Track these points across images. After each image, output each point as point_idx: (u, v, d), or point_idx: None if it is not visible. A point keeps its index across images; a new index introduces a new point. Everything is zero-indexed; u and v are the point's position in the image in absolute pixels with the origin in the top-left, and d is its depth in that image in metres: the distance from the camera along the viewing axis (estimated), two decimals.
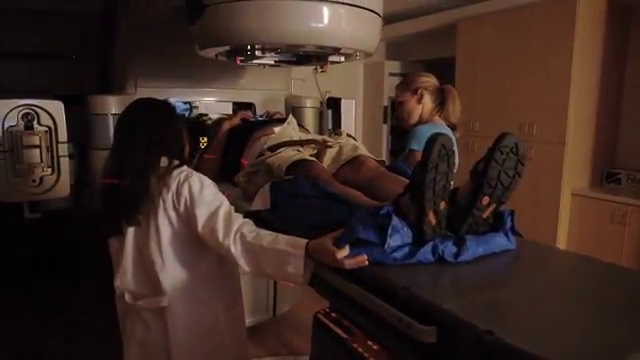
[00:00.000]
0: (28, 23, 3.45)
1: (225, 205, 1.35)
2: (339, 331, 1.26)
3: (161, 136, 1.40)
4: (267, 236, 1.26)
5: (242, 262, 1.27)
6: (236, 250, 1.27)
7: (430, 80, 2.00)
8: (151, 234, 1.37)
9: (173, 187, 1.34)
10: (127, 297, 1.43)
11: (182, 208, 1.34)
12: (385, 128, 4.87)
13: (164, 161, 1.39)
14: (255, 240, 1.25)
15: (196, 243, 1.38)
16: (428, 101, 1.97)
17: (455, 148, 1.20)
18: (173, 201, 1.34)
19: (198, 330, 1.44)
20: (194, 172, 1.40)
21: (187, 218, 1.35)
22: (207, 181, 1.39)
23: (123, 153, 1.38)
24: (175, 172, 1.37)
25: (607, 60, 3.27)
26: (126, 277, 1.43)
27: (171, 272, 1.38)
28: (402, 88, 2.02)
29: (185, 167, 1.42)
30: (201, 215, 1.32)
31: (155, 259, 1.37)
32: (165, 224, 1.36)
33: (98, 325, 2.72)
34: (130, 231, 1.40)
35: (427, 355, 0.94)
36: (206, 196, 1.34)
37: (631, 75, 3.39)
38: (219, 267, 1.45)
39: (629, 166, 3.38)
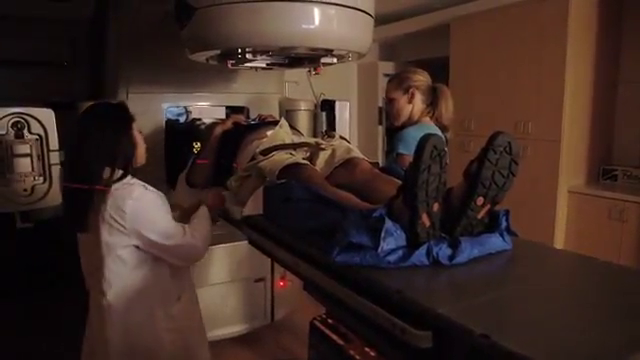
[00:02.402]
0: (19, 30, 3.43)
1: (163, 222, 1.48)
2: (335, 337, 1.24)
3: (105, 147, 1.44)
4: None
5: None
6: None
7: (423, 79, 1.97)
8: (98, 237, 1.43)
9: (112, 200, 1.40)
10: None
11: (121, 221, 1.41)
12: (380, 129, 4.85)
13: (107, 172, 1.43)
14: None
15: (136, 250, 1.46)
16: (419, 101, 1.95)
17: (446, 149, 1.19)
18: (112, 214, 1.40)
19: (134, 328, 1.50)
20: (136, 185, 1.46)
21: (127, 231, 1.42)
22: (147, 196, 1.46)
23: (72, 161, 1.49)
24: (118, 184, 1.43)
25: (601, 56, 3.27)
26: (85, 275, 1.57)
27: (112, 272, 1.45)
28: (394, 85, 1.99)
29: (128, 179, 1.47)
30: (144, 232, 1.43)
31: (99, 260, 1.45)
32: (105, 231, 1.42)
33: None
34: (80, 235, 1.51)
35: None
36: (146, 213, 1.44)
37: (625, 71, 3.38)
38: (159, 268, 1.53)
39: (625, 162, 3.37)
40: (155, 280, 1.52)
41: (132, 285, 1.48)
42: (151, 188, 1.50)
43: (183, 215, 1.70)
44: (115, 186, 1.42)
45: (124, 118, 1.52)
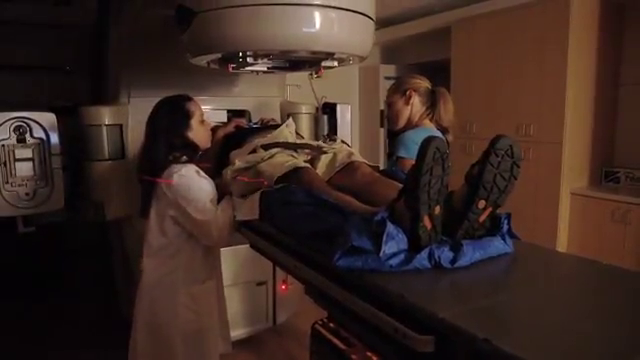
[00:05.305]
0: (21, 35, 3.44)
1: (202, 197, 1.61)
2: (336, 342, 1.24)
3: (163, 140, 1.64)
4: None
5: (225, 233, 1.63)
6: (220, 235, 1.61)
7: (420, 82, 2.00)
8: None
9: (165, 175, 1.60)
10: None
11: (168, 192, 1.60)
12: (382, 132, 4.85)
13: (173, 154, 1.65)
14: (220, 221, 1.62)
15: (174, 222, 1.65)
16: (417, 102, 1.97)
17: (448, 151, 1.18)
18: (163, 186, 1.60)
19: (158, 299, 1.67)
20: (188, 166, 1.63)
21: (170, 201, 1.61)
22: (192, 174, 1.62)
23: (140, 155, 1.74)
24: (172, 165, 1.62)
25: (602, 59, 3.27)
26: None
27: (152, 241, 1.67)
28: (392, 89, 2.03)
29: (183, 161, 1.65)
30: (182, 202, 1.60)
31: (145, 227, 1.68)
32: (156, 201, 1.65)
33: (95, 337, 2.70)
34: None
35: None
36: (189, 185, 1.60)
37: (626, 74, 3.38)
38: (192, 247, 1.69)
39: (627, 164, 3.36)
40: (187, 258, 1.69)
41: (166, 256, 1.67)
42: (203, 174, 1.67)
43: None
44: (172, 166, 1.62)
45: (180, 111, 1.71)
